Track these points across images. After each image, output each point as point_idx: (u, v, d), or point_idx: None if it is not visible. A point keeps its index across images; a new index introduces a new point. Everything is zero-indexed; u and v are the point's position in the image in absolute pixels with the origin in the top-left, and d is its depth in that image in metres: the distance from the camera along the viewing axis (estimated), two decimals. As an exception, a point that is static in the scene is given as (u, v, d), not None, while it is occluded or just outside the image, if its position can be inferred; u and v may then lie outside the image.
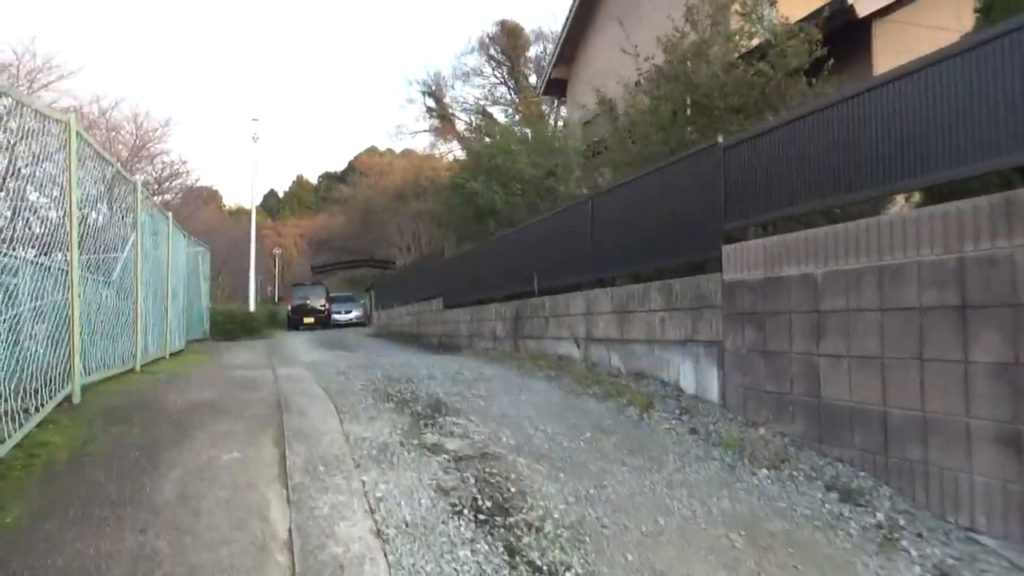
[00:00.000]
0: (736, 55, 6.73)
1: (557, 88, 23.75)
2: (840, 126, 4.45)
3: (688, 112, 6.97)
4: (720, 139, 5.71)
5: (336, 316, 34.37)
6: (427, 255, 18.66)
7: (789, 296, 4.77)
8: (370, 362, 9.72)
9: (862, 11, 8.19)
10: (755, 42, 7.10)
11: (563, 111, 44.50)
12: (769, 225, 5.36)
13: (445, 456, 4.29)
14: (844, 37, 7.95)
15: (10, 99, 4.26)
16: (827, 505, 3.84)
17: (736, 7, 7.44)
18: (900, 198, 5.07)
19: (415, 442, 4.57)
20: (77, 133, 5.45)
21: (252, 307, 24.39)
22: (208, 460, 4.01)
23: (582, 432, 5.06)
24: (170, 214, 10.54)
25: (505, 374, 7.62)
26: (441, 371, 7.81)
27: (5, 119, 4.18)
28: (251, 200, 26.60)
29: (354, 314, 36.80)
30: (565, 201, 11.16)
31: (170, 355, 10.40)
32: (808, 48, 6.54)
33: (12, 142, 4.34)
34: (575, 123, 16.38)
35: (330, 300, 33.44)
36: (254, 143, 27.88)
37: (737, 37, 6.88)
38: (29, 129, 4.54)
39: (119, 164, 7.10)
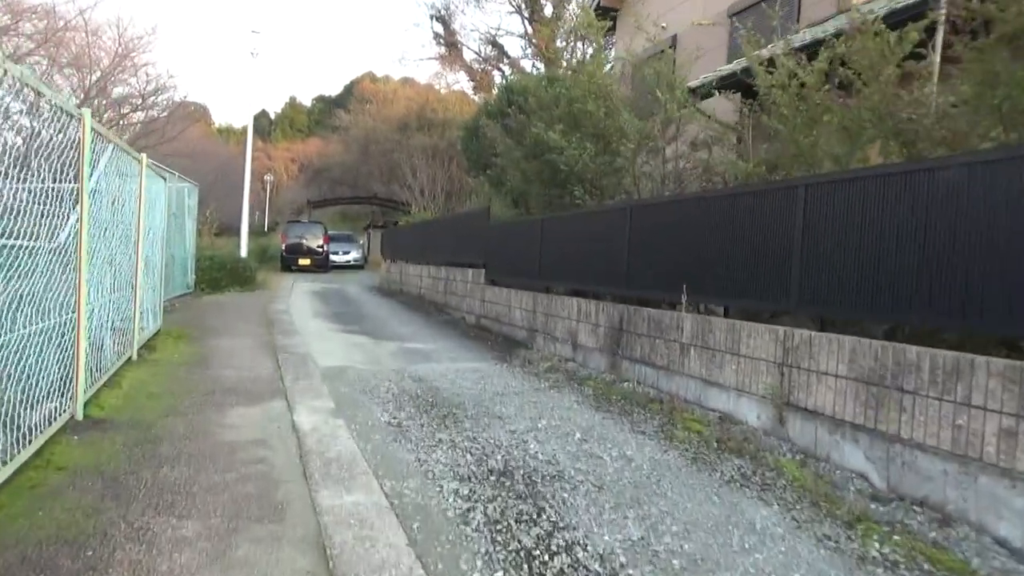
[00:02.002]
0: None
1: (604, 19, 20.41)
2: None
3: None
4: None
5: (334, 257, 31.83)
6: (464, 213, 15.63)
7: None
8: (421, 383, 6.89)
9: None
10: None
11: (582, 50, 40.70)
12: None
13: None
14: None
15: None
16: None
17: None
18: None
19: None
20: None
21: (244, 251, 21.27)
22: None
23: None
24: (143, 156, 7.44)
25: (666, 463, 4.76)
26: (561, 447, 4.97)
27: None
28: (248, 134, 23.07)
29: (352, 255, 34.28)
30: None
31: (139, 350, 7.52)
32: None
33: None
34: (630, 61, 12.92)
35: (328, 239, 30.57)
36: (252, 59, 24.02)
37: None
38: None
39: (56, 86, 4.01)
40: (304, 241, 29.39)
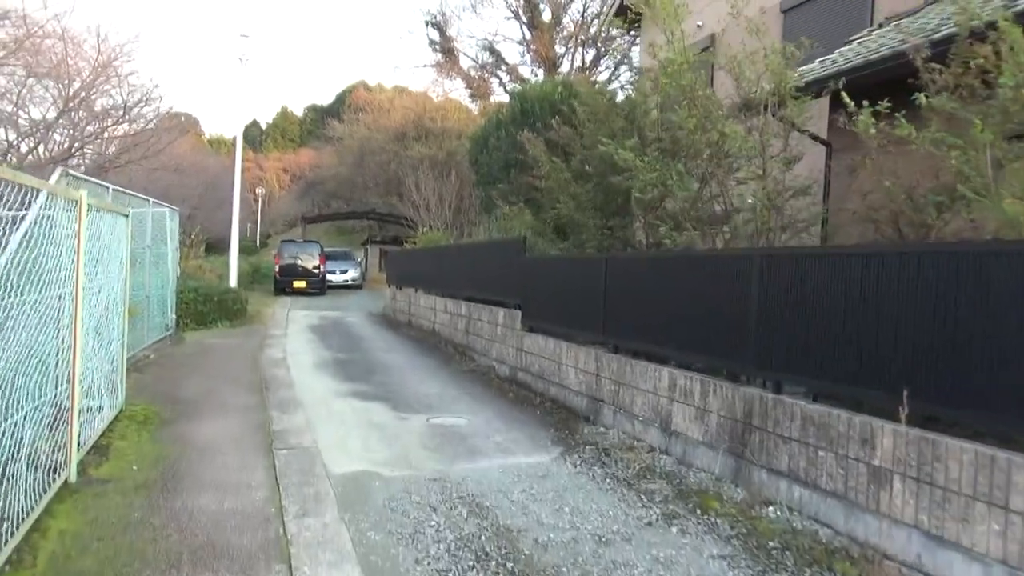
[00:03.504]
0: None
1: (624, 19, 18.51)
2: None
3: None
4: None
5: (330, 276, 29.79)
6: (492, 242, 13.52)
7: None
8: (481, 516, 4.80)
9: None
10: None
11: (581, 56, 38.68)
12: None
13: None
14: None
15: None
16: None
17: None
18: None
19: None
20: None
21: (233, 279, 19.10)
22: None
23: None
24: (82, 193, 5.29)
25: None
26: None
27: None
28: (237, 151, 20.92)
29: (350, 274, 32.25)
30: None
31: (84, 458, 5.41)
32: None
33: None
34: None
35: (325, 259, 28.48)
36: (241, 65, 21.95)
37: None
38: None
39: None
40: (299, 262, 27.31)
